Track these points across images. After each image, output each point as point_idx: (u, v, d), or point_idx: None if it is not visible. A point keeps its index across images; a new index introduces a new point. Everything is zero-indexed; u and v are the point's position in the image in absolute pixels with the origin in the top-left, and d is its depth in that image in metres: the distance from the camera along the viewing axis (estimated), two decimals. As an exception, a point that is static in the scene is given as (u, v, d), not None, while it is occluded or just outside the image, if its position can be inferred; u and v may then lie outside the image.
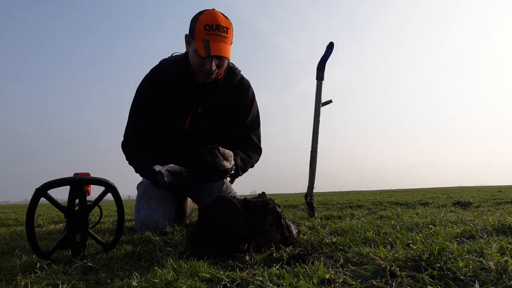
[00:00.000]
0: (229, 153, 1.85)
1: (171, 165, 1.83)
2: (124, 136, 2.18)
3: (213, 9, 1.94)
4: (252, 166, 2.23)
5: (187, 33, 1.99)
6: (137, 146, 2.14)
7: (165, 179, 1.76)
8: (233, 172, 1.97)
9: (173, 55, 2.20)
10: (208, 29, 1.87)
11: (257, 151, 2.28)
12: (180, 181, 1.82)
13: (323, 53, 2.67)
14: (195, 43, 1.90)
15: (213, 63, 1.92)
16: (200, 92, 2.13)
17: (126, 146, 2.17)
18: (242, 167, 2.09)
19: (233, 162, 1.91)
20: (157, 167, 1.82)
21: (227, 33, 1.91)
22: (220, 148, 1.77)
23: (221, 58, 1.93)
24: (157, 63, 2.19)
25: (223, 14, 1.94)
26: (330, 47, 2.63)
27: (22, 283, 1.03)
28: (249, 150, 2.21)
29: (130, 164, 2.17)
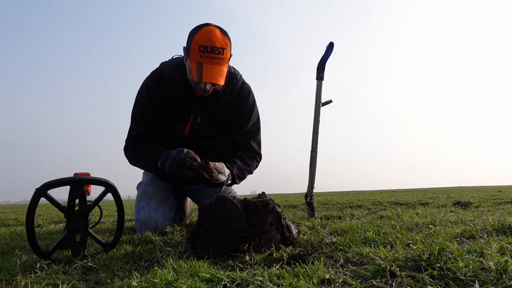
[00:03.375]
0: (220, 165, 1.89)
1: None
2: (126, 141, 2.18)
3: (211, 24, 1.87)
4: (250, 173, 2.23)
5: (185, 46, 1.97)
6: (142, 146, 2.14)
7: (183, 149, 1.83)
8: (230, 182, 2.02)
9: (174, 57, 2.19)
10: (203, 51, 1.83)
11: (256, 158, 2.28)
12: (196, 157, 1.85)
13: (323, 53, 2.67)
14: (190, 63, 1.88)
15: (207, 86, 1.91)
16: (200, 99, 2.13)
17: (130, 149, 2.17)
18: (239, 176, 2.10)
19: (227, 172, 1.94)
20: (164, 155, 1.91)
21: (222, 54, 1.87)
22: (210, 163, 1.82)
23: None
24: (157, 65, 2.18)
25: (220, 31, 1.87)
26: (330, 47, 2.63)
27: (22, 283, 1.03)
28: (247, 158, 2.21)
29: (136, 163, 2.16)
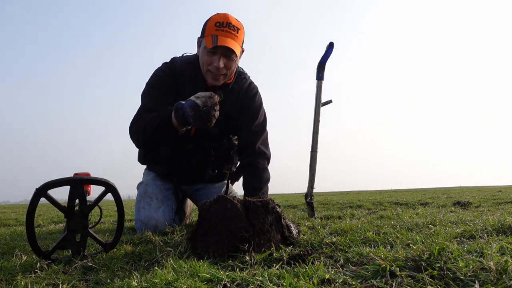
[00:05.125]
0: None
1: (197, 94, 1.74)
2: (133, 118, 2.02)
3: (226, 13, 1.95)
4: (268, 181, 2.23)
5: (199, 37, 1.99)
6: (149, 114, 1.94)
7: (197, 102, 1.66)
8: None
9: (184, 55, 2.19)
10: (219, 26, 1.88)
11: (265, 162, 2.25)
12: (214, 101, 1.70)
13: (323, 53, 2.67)
14: (205, 40, 1.90)
15: (221, 61, 1.90)
16: None
17: (136, 121, 1.98)
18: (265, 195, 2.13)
19: None
20: (179, 103, 1.73)
21: (237, 32, 1.92)
22: None
23: (228, 55, 1.91)
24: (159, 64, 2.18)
25: (235, 18, 1.95)
26: (330, 47, 2.63)
27: (22, 283, 1.03)
28: (259, 171, 2.19)
29: (144, 130, 1.88)
